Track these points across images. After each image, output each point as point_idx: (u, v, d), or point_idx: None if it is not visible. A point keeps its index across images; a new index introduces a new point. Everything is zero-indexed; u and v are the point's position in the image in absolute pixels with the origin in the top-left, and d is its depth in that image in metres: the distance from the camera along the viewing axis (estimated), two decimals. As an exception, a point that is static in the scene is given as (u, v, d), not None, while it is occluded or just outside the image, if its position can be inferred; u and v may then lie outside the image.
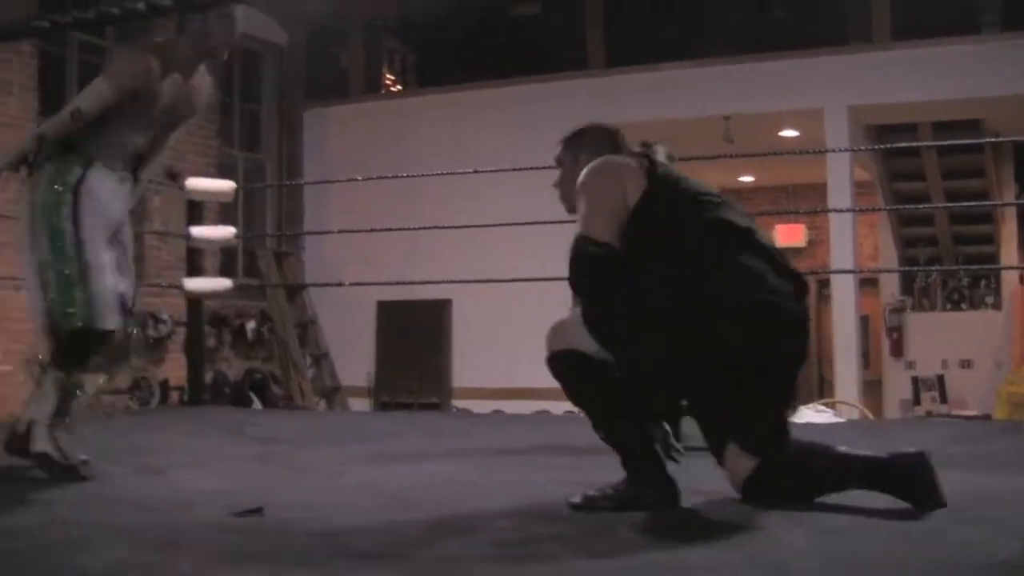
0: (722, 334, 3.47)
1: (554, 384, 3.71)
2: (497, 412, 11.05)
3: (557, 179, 4.03)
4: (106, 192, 4.45)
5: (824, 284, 15.04)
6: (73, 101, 4.40)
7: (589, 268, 3.63)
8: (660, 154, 6.00)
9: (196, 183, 8.21)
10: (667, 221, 3.65)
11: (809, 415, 9.34)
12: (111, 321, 4.35)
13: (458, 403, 13.16)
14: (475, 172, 8.99)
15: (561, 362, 3.63)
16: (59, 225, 4.32)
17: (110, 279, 4.39)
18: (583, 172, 3.78)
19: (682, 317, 3.52)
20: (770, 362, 3.53)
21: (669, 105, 12.37)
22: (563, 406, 3.99)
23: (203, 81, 4.77)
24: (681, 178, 3.79)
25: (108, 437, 5.67)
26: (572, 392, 3.69)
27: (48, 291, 4.32)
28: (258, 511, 3.49)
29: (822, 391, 15.85)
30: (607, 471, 3.66)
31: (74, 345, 4.31)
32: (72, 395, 4.36)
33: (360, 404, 13.62)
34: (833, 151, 11.38)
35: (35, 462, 4.31)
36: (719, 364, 3.50)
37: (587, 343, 3.57)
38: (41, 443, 4.30)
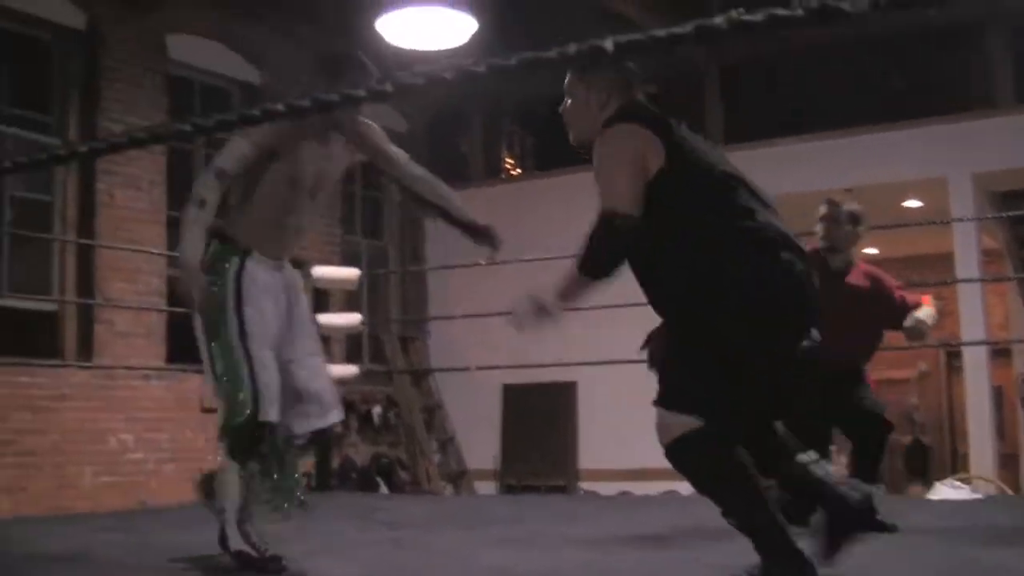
0: (723, 327, 3.49)
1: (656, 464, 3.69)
2: (624, 493, 10.98)
3: (565, 107, 4.04)
4: (265, 281, 4.45)
5: (955, 356, 14.74)
6: (212, 163, 4.35)
7: (614, 242, 3.58)
8: (844, 212, 6.05)
9: (322, 271, 8.34)
10: (684, 201, 3.62)
11: (945, 491, 9.14)
12: (272, 413, 4.33)
13: (585, 485, 13.09)
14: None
15: (676, 453, 3.58)
16: (222, 317, 4.33)
17: (272, 374, 4.37)
18: (603, 138, 3.74)
19: (692, 304, 3.57)
20: (771, 357, 3.56)
21: (790, 179, 12.26)
22: (691, 487, 3.94)
23: (366, 132, 4.78)
24: (699, 153, 3.73)
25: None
26: (693, 482, 3.65)
27: (219, 385, 4.36)
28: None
29: (955, 466, 15.49)
30: (741, 554, 3.60)
31: (244, 436, 4.32)
32: (256, 485, 4.38)
33: (486, 487, 13.60)
34: (959, 221, 11.21)
35: (234, 561, 4.36)
36: (720, 357, 3.50)
37: (682, 419, 3.53)
38: (234, 542, 4.34)
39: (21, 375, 8.99)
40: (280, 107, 1.32)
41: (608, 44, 1.10)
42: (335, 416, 4.69)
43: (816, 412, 5.83)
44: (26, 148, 9.44)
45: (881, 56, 14.18)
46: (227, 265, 4.37)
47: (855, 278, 6.13)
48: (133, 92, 10.23)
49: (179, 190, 10.76)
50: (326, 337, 8.79)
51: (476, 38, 8.64)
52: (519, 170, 16.31)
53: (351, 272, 8.56)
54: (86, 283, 9.79)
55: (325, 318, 8.27)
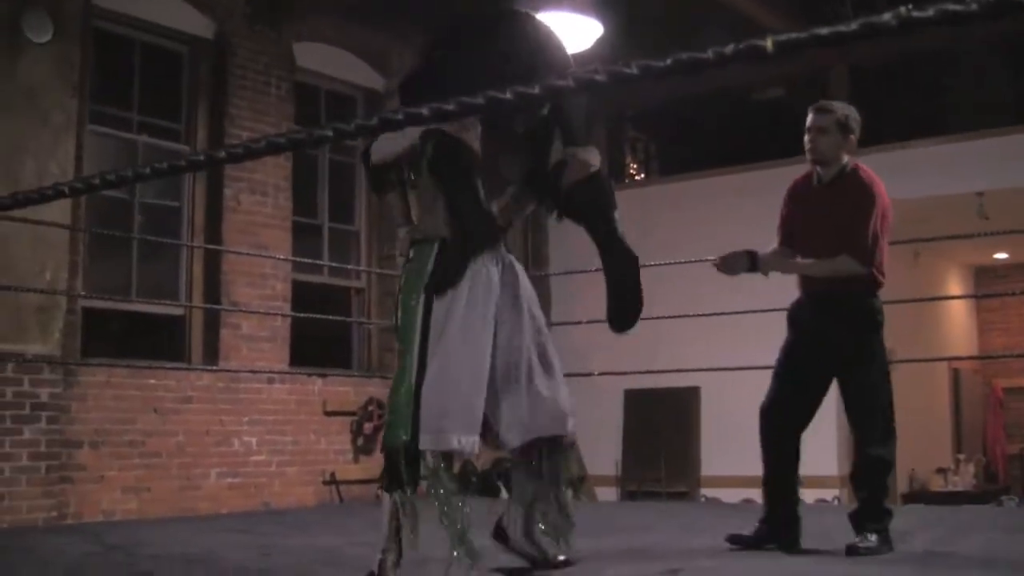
0: None
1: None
2: (747, 501, 10.83)
3: None
4: (460, 284, 4.21)
5: (1090, 364, 14.34)
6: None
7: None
8: (832, 120, 5.52)
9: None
10: None
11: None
12: (439, 441, 4.08)
13: (707, 491, 12.96)
14: (722, 258, 8.87)
15: None
16: (411, 320, 4.13)
17: (465, 387, 4.12)
18: None
19: None
20: None
21: (920, 183, 12.01)
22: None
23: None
24: None
25: (368, 524, 5.73)
26: None
27: (390, 397, 4.14)
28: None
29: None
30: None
31: (398, 462, 4.09)
32: (407, 518, 4.15)
33: (607, 493, 13.53)
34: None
35: None
36: None
37: None
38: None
39: (149, 378, 9.13)
40: (424, 111, 1.28)
41: (768, 43, 1.04)
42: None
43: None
44: (156, 155, 9.59)
45: (1013, 56, 13.86)
46: (425, 265, 4.24)
47: (843, 190, 5.47)
48: (260, 100, 10.34)
49: (304, 195, 10.88)
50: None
51: (601, 42, 8.57)
52: (642, 175, 16.22)
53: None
54: (212, 288, 9.92)
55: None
